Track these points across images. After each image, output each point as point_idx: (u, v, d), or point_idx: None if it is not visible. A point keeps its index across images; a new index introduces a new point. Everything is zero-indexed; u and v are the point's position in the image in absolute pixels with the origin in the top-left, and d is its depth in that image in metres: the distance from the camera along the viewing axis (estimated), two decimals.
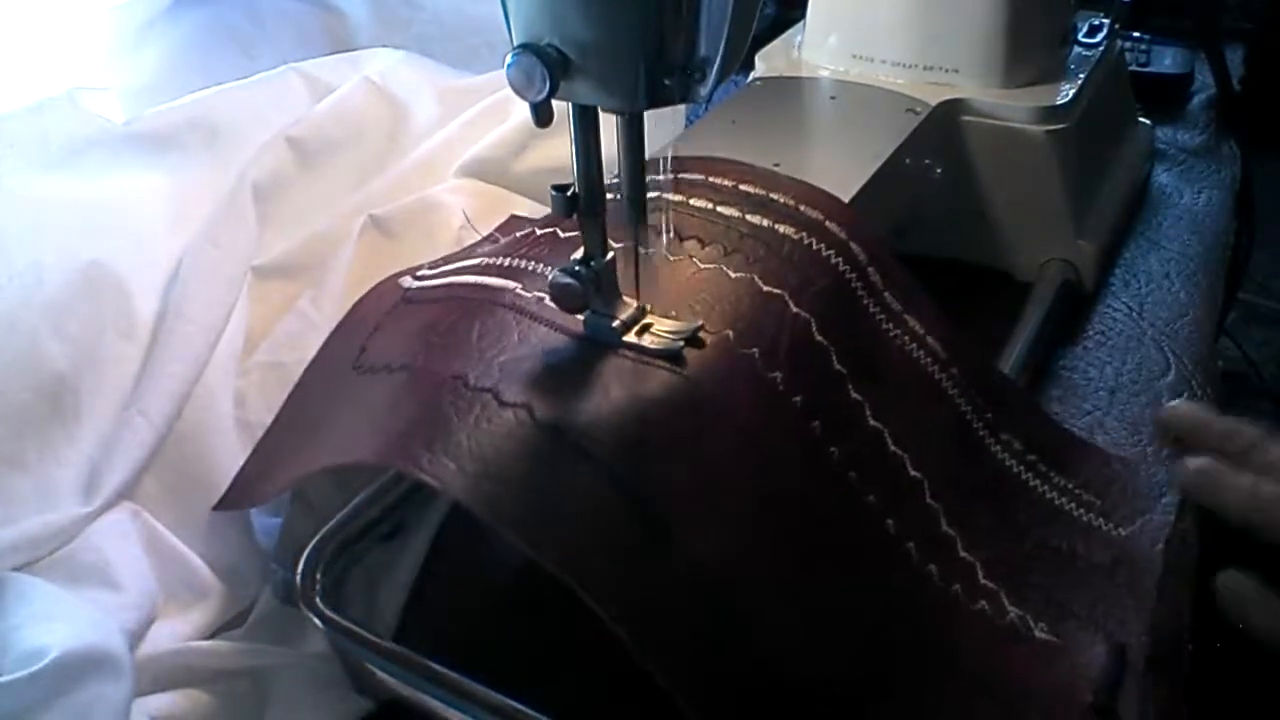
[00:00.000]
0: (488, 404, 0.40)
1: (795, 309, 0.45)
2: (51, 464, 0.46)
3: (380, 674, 0.41)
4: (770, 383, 0.43)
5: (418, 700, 0.41)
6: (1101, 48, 0.71)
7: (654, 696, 0.37)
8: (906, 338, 0.48)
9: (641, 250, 0.42)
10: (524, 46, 0.36)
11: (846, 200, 0.51)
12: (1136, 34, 0.92)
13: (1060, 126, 0.63)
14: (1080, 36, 0.71)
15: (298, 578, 0.43)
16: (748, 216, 0.49)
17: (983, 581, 0.44)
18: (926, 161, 0.62)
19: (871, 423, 0.45)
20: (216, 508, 0.47)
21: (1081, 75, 0.67)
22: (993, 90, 0.64)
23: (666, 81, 0.37)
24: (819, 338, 0.45)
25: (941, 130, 0.63)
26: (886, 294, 0.49)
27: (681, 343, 0.42)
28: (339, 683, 0.43)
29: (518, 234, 0.52)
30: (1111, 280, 0.68)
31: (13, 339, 0.47)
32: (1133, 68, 0.85)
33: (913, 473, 0.45)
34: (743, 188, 0.51)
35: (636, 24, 0.35)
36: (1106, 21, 0.73)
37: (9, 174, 0.54)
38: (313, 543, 0.45)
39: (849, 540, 0.42)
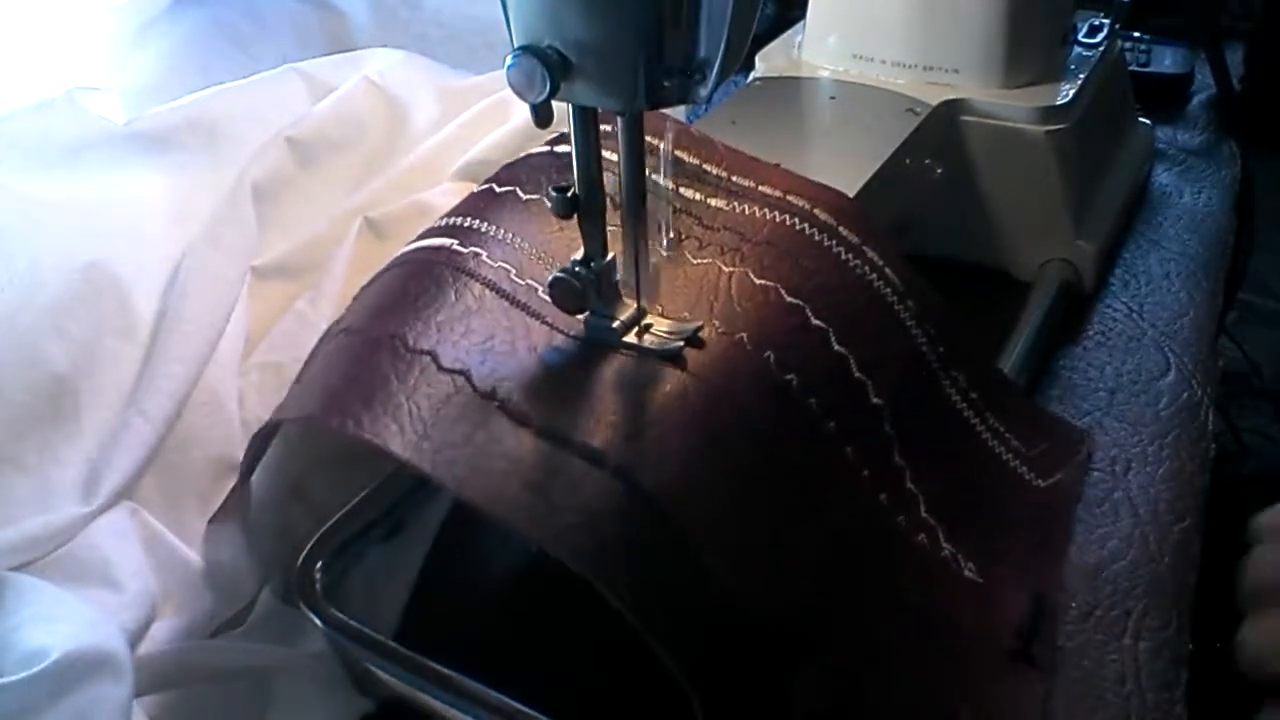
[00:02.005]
0: (426, 367, 0.41)
1: (728, 269, 0.46)
2: (51, 464, 0.46)
3: (380, 674, 0.41)
4: (711, 328, 0.43)
5: (418, 700, 0.41)
6: (1101, 48, 0.71)
7: (653, 696, 0.37)
8: (866, 268, 0.48)
9: (641, 248, 0.42)
10: (524, 48, 0.36)
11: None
12: (1136, 34, 0.92)
13: (1060, 126, 0.63)
14: (1080, 36, 0.71)
15: (297, 577, 0.44)
16: (682, 190, 0.50)
17: (924, 515, 0.45)
18: (926, 161, 0.62)
19: (836, 348, 0.45)
20: (213, 520, 0.47)
21: (1081, 75, 0.67)
22: (993, 90, 0.64)
23: (666, 83, 0.37)
24: (760, 280, 0.45)
25: (941, 130, 0.63)
26: (841, 229, 0.49)
27: (681, 342, 0.42)
28: (339, 683, 0.43)
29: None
30: (1111, 280, 0.68)
31: (13, 339, 0.47)
32: (1133, 68, 0.85)
33: (874, 399, 0.45)
34: (678, 153, 0.51)
35: (636, 25, 0.35)
36: (1106, 21, 0.73)
37: (9, 174, 0.54)
38: (312, 542, 0.45)
39: (808, 462, 0.42)
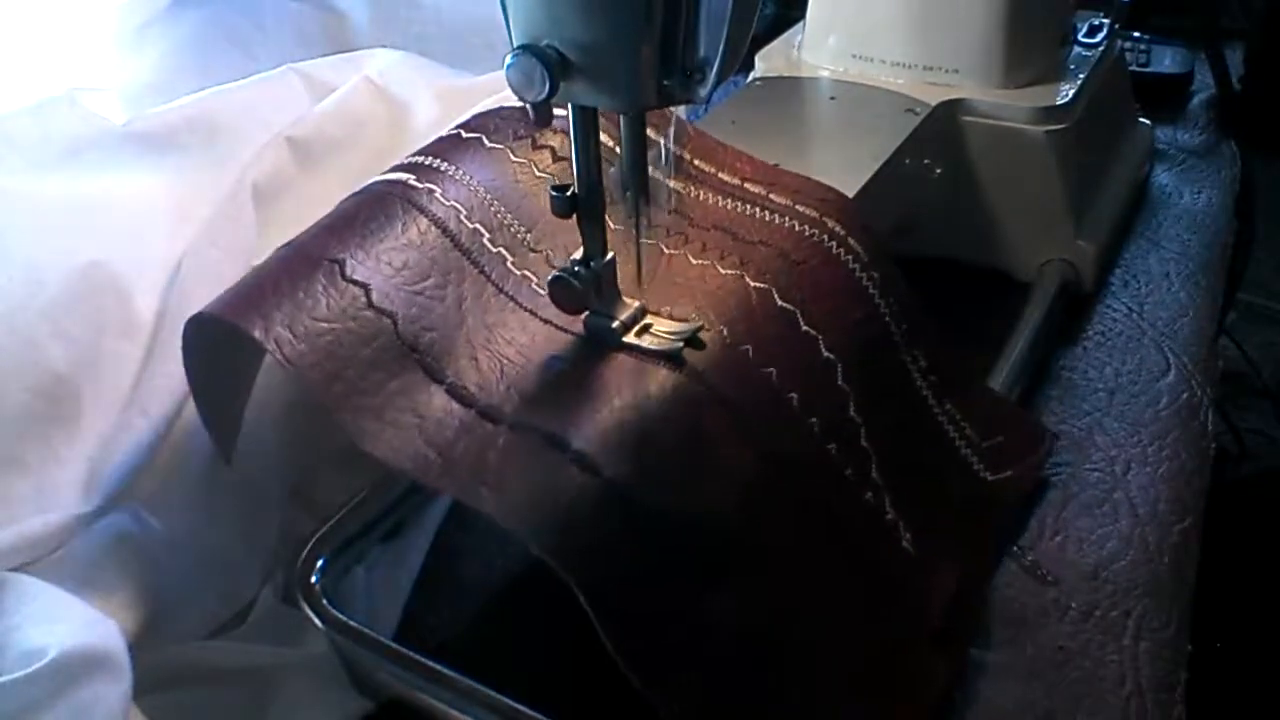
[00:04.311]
0: (356, 299, 0.41)
1: (669, 251, 0.47)
2: (51, 464, 0.46)
3: (380, 674, 0.41)
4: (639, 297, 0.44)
5: (418, 700, 0.41)
6: (1101, 48, 0.71)
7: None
8: (825, 236, 0.48)
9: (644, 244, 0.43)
10: (524, 47, 0.36)
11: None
12: (1136, 34, 0.92)
13: (1060, 126, 0.63)
14: (1080, 36, 0.71)
15: (297, 577, 0.44)
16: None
17: (873, 475, 0.45)
18: (926, 161, 0.62)
19: (780, 304, 0.45)
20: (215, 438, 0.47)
21: (1081, 75, 0.67)
22: (993, 90, 0.64)
23: (666, 82, 0.37)
24: (697, 260, 0.46)
25: (941, 130, 0.63)
26: (799, 206, 0.49)
27: (681, 343, 0.42)
28: (339, 683, 0.43)
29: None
30: (1111, 280, 0.68)
31: (13, 339, 0.47)
32: (1133, 68, 0.85)
33: (826, 354, 0.45)
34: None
35: (636, 25, 0.35)
36: (1106, 21, 0.73)
37: (9, 174, 0.54)
38: (312, 542, 0.45)
39: (740, 399, 0.42)
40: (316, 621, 0.42)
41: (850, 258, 0.48)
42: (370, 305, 0.41)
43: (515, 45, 0.37)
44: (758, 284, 0.45)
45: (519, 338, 0.43)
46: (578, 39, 0.36)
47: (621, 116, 0.39)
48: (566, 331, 0.43)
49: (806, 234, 0.48)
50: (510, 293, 0.44)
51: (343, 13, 0.81)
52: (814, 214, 0.48)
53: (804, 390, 0.43)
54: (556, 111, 0.39)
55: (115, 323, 0.51)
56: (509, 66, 0.36)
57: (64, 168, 0.57)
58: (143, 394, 0.49)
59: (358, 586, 0.46)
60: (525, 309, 0.44)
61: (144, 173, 0.59)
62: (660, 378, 0.41)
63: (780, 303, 0.45)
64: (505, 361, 0.42)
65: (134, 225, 0.56)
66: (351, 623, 0.42)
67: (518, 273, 0.45)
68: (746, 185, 0.50)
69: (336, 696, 0.43)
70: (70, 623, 0.39)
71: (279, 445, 0.49)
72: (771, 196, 0.49)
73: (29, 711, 0.36)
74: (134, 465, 0.47)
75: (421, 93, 0.72)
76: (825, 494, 0.43)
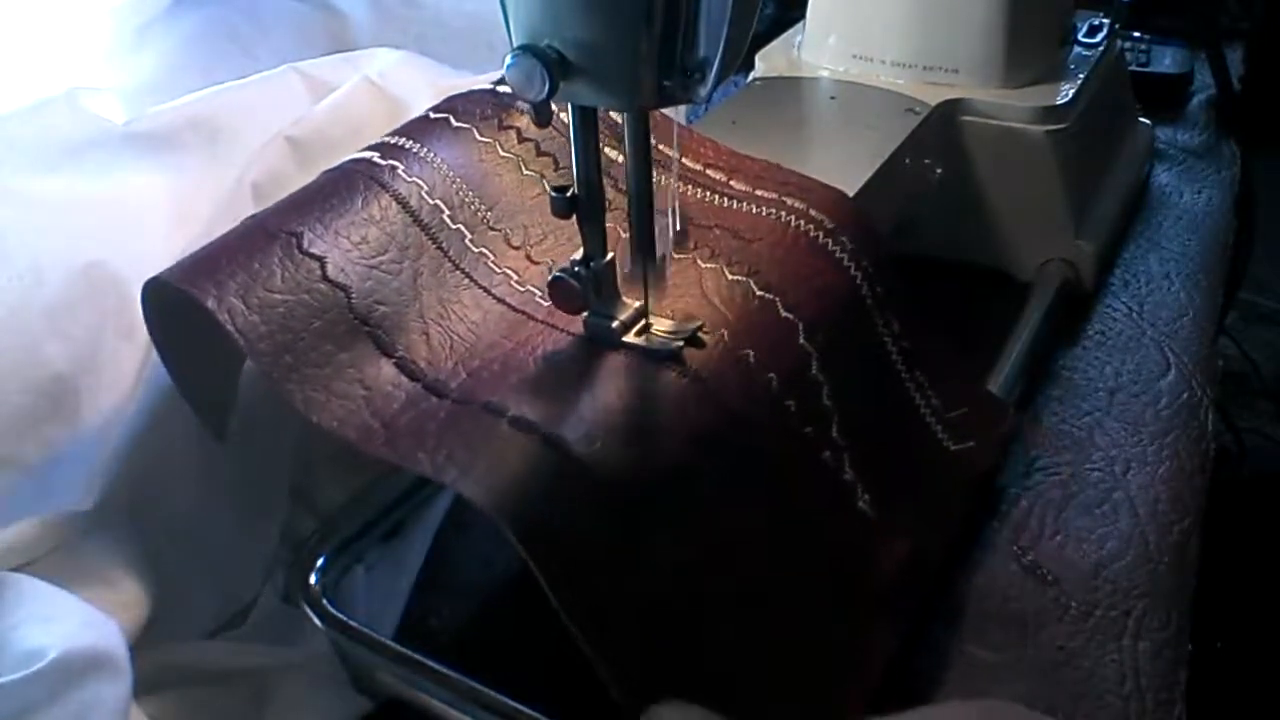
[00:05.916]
0: (312, 271, 0.41)
1: (624, 236, 0.46)
2: (51, 464, 0.46)
3: (380, 673, 0.41)
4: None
5: (418, 700, 0.41)
6: (1101, 48, 0.71)
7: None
8: (783, 213, 0.48)
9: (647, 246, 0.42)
10: (524, 47, 0.36)
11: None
12: (1136, 34, 0.92)
13: (1060, 126, 0.63)
14: (1080, 36, 0.71)
15: (297, 577, 0.44)
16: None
17: (834, 434, 0.44)
18: (926, 161, 0.62)
19: (730, 277, 0.45)
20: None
21: (1081, 75, 0.67)
22: (993, 90, 0.64)
23: (666, 82, 0.37)
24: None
25: (941, 130, 0.63)
26: (759, 191, 0.49)
27: (680, 342, 0.42)
28: (339, 683, 0.43)
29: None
30: (1111, 280, 0.68)
31: (13, 339, 0.47)
32: (1133, 68, 0.85)
33: (784, 314, 0.44)
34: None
35: (636, 25, 0.35)
36: (1106, 21, 0.73)
37: (9, 174, 0.54)
38: (312, 542, 0.45)
39: (700, 361, 0.41)
40: (316, 621, 0.42)
41: (811, 226, 0.47)
42: (325, 278, 0.41)
43: (515, 45, 0.37)
44: (708, 265, 0.45)
45: (471, 315, 0.43)
46: (578, 39, 0.36)
47: (625, 117, 0.39)
48: (519, 311, 0.44)
49: (763, 214, 0.48)
50: (467, 269, 0.44)
51: (343, 13, 0.81)
52: (773, 195, 0.48)
53: (760, 348, 0.43)
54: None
55: (115, 323, 0.51)
56: (509, 66, 0.36)
57: (64, 168, 0.57)
58: (143, 394, 0.49)
59: (358, 586, 0.46)
60: (480, 286, 0.44)
61: (144, 173, 0.59)
62: (602, 352, 0.41)
63: (730, 276, 0.45)
64: (455, 338, 0.42)
65: (134, 225, 0.56)
66: (351, 623, 0.42)
67: (475, 250, 0.45)
68: (708, 171, 0.50)
69: (336, 696, 0.43)
70: (70, 623, 0.39)
71: (279, 444, 0.49)
72: (731, 183, 0.49)
73: (29, 712, 0.36)
74: (134, 465, 0.47)
75: (421, 93, 0.72)
76: (780, 450, 0.43)
